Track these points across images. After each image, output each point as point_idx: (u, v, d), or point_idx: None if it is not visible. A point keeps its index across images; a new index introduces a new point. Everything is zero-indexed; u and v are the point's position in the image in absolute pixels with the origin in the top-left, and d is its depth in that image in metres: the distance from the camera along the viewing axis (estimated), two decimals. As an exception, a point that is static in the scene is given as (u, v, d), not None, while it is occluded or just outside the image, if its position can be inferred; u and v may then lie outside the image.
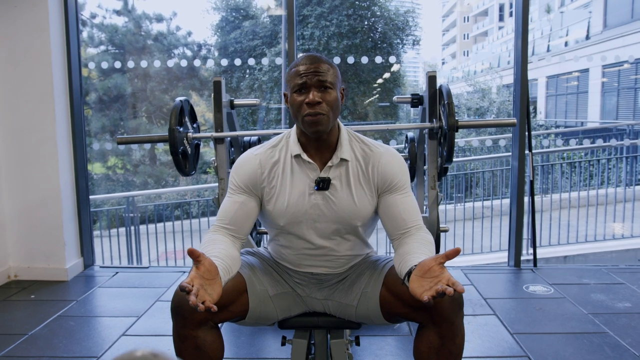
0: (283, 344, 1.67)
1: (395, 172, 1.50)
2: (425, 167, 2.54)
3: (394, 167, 1.51)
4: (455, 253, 1.19)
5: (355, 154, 1.52)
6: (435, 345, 1.38)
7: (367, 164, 1.51)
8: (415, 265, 1.26)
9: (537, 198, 5.76)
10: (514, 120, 2.47)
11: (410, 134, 2.87)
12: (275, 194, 1.50)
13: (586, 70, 12.51)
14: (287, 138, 1.55)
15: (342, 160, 1.49)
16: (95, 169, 9.71)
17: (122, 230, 5.25)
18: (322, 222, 1.49)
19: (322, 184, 1.47)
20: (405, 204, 1.49)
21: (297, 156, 1.49)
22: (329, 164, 1.48)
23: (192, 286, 1.17)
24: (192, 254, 1.21)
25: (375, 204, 1.52)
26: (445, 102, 2.25)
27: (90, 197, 3.63)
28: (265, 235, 2.87)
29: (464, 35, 28.27)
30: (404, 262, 1.35)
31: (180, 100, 2.34)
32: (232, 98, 2.61)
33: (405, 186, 1.51)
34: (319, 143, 1.49)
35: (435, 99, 2.38)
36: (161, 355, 0.49)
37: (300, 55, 1.55)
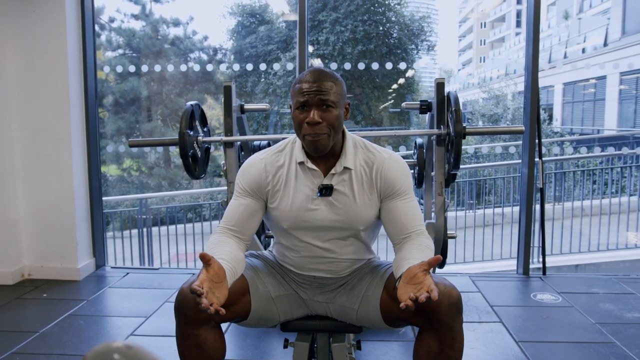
0: (285, 346, 1.69)
1: (398, 177, 1.52)
2: (433, 174, 2.55)
3: (397, 172, 1.53)
4: (436, 260, 1.25)
5: (360, 162, 1.54)
6: (434, 350, 1.39)
7: (370, 170, 1.53)
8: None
9: (549, 206, 5.71)
10: (522, 127, 2.46)
11: (419, 140, 2.88)
12: (279, 198, 1.53)
13: (603, 78, 12.37)
14: (293, 144, 1.57)
15: (346, 168, 1.51)
16: (111, 170, 9.85)
17: (135, 232, 5.32)
18: (325, 226, 1.52)
19: (325, 191, 1.50)
20: (407, 209, 1.52)
21: (302, 163, 1.52)
22: (332, 171, 1.51)
23: (203, 289, 1.22)
24: (203, 257, 1.27)
25: (378, 209, 1.54)
26: (453, 108, 2.26)
27: (104, 198, 3.69)
28: (272, 239, 2.89)
29: (481, 41, 28.14)
30: (399, 267, 1.39)
31: (191, 105, 2.37)
32: (242, 103, 2.65)
33: (407, 191, 1.53)
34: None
35: (444, 105, 2.39)
36: (135, 347, 0.52)
37: (306, 70, 1.57)
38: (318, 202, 1.50)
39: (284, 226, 1.53)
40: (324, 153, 1.48)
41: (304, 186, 1.52)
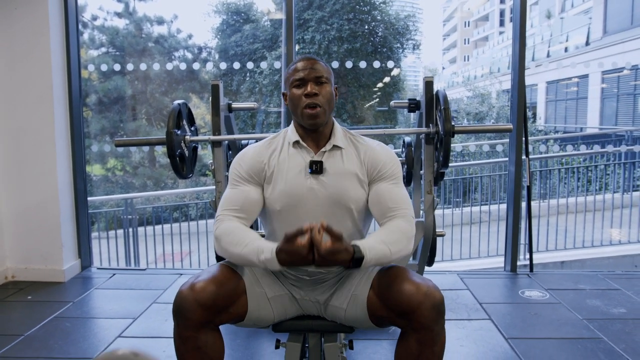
0: (277, 347, 1.67)
1: (386, 160, 1.59)
2: (422, 172, 2.55)
3: (384, 155, 1.60)
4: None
5: (348, 143, 1.62)
6: (413, 351, 1.40)
7: (359, 151, 1.61)
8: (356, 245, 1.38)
9: (535, 203, 5.77)
10: (510, 126, 2.48)
11: (407, 139, 2.88)
12: (274, 178, 1.57)
13: (586, 76, 12.53)
14: (285, 131, 1.66)
15: (336, 146, 1.58)
16: (95, 170, 9.72)
17: (121, 232, 5.25)
18: (317, 206, 1.53)
19: (316, 167, 1.55)
20: (393, 193, 1.55)
21: (295, 143, 1.59)
22: (323, 149, 1.58)
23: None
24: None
25: (367, 189, 1.58)
26: (442, 107, 2.26)
27: (89, 198, 3.64)
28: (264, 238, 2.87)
29: (465, 40, 28.31)
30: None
31: (179, 104, 2.35)
32: (230, 101, 2.63)
33: (394, 176, 1.58)
34: (314, 133, 1.59)
35: (432, 104, 2.40)
36: (142, 355, 0.51)
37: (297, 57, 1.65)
38: (310, 181, 1.54)
39: (277, 207, 1.55)
40: (320, 125, 1.56)
41: (296, 165, 1.56)
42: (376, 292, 1.46)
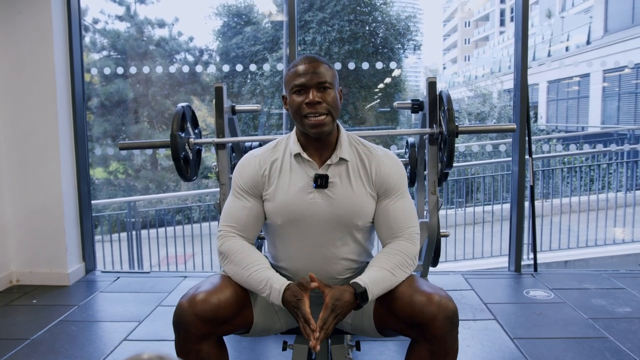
0: (284, 348, 1.67)
1: (394, 175, 1.52)
2: (426, 173, 2.55)
3: (393, 170, 1.53)
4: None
5: (355, 154, 1.53)
6: None
7: (366, 164, 1.52)
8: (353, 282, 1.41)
9: (537, 203, 5.76)
10: (513, 125, 2.47)
11: (410, 140, 2.88)
12: (274, 189, 1.50)
13: (587, 75, 12.52)
14: (287, 139, 1.56)
15: (342, 159, 1.50)
16: (97, 173, 9.74)
17: (124, 235, 5.26)
18: (322, 221, 1.47)
19: (321, 181, 1.47)
20: (398, 211, 1.51)
21: (297, 155, 1.50)
22: (328, 162, 1.49)
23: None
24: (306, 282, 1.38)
25: (375, 204, 1.52)
26: (445, 107, 2.26)
27: (92, 202, 3.64)
28: (264, 241, 2.87)
29: (465, 40, 28.32)
30: (364, 270, 1.47)
31: (182, 106, 2.35)
32: (234, 104, 2.63)
33: (401, 190, 1.53)
34: (318, 143, 1.50)
35: (436, 104, 2.40)
36: (167, 357, 0.50)
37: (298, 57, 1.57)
38: (314, 194, 1.47)
39: (278, 222, 1.49)
40: (326, 134, 1.46)
41: (299, 179, 1.48)
42: (383, 303, 1.43)
